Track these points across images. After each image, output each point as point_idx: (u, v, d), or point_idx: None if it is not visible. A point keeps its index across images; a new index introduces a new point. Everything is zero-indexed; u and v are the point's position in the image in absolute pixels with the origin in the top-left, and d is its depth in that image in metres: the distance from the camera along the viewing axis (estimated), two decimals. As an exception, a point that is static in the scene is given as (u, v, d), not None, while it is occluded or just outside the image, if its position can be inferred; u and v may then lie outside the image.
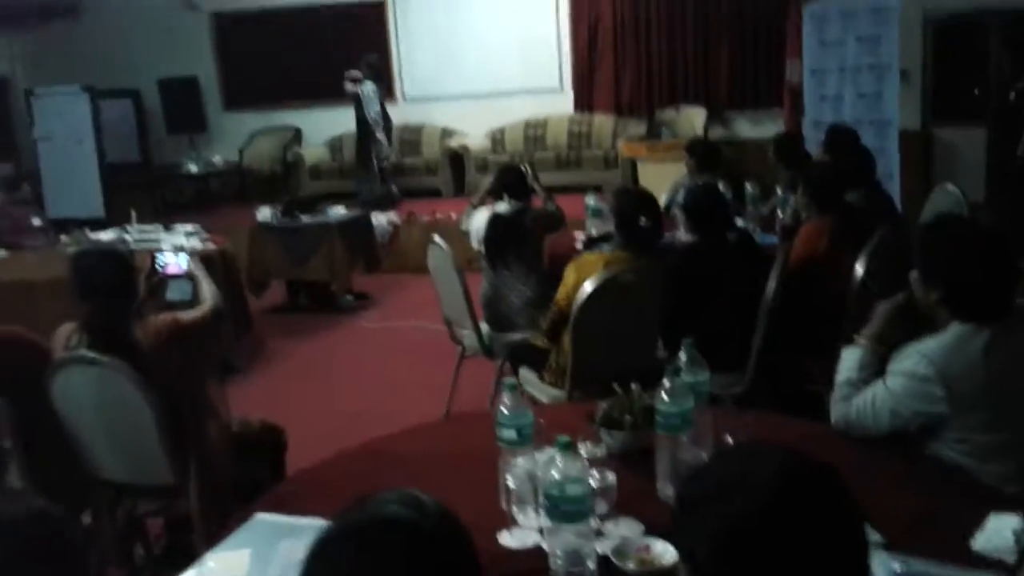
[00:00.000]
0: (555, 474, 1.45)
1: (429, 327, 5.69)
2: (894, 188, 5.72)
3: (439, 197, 8.93)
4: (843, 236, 3.57)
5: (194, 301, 2.98)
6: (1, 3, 9.27)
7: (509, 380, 1.81)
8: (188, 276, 2.95)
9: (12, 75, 10.75)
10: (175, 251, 3.07)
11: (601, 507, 1.67)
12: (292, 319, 6.47)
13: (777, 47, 8.20)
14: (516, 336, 4.00)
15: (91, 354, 2.49)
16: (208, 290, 2.90)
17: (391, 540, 0.94)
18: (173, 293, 3.02)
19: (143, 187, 9.45)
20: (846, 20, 6.25)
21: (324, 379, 5.21)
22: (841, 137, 5.09)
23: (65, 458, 2.63)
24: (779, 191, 4.62)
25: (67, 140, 8.75)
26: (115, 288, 2.57)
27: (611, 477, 1.68)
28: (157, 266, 2.94)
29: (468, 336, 4.08)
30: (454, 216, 7.67)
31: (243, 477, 2.77)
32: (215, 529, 2.61)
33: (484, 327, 4.03)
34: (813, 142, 6.01)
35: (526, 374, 3.54)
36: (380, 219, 7.70)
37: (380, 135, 8.15)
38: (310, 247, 6.33)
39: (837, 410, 2.03)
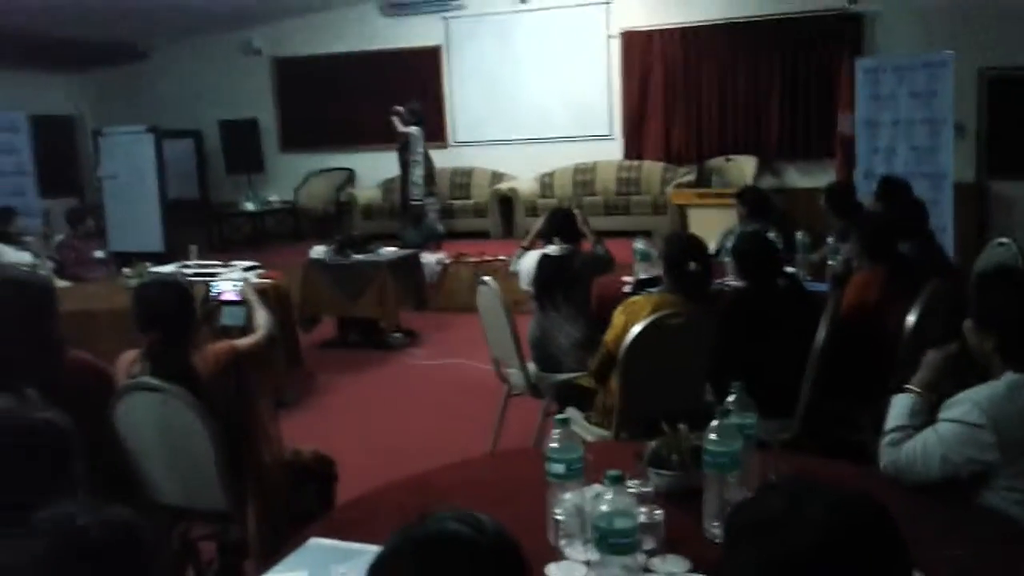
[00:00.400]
0: (604, 507, 1.48)
1: (475, 365, 5.75)
2: (947, 240, 5.69)
3: (487, 239, 9.05)
4: (894, 286, 3.55)
5: (247, 327, 3.08)
6: (70, 45, 9.69)
7: (560, 416, 1.85)
8: (242, 302, 3.05)
9: (79, 115, 11.20)
10: (232, 281, 3.18)
11: (648, 543, 1.69)
12: (341, 355, 6.57)
13: (828, 99, 8.26)
14: (563, 376, 4.03)
15: (153, 381, 2.58)
16: (262, 316, 2.99)
17: (451, 555, 0.98)
18: (227, 319, 3.13)
19: (201, 224, 9.73)
20: (900, 74, 6.28)
21: (372, 414, 5.28)
22: (894, 187, 5.08)
23: (124, 483, 2.71)
24: (830, 240, 4.61)
25: (131, 177, 9.06)
26: (175, 317, 2.67)
27: (658, 514, 1.70)
28: (212, 293, 3.04)
29: (515, 375, 4.12)
30: (502, 257, 7.78)
31: (295, 505, 2.83)
32: (268, 554, 2.68)
33: (531, 367, 4.07)
34: (865, 193, 6.00)
35: (573, 414, 3.56)
36: (429, 259, 7.82)
37: (418, 178, 8.30)
38: (361, 284, 6.45)
39: (887, 455, 2.03)
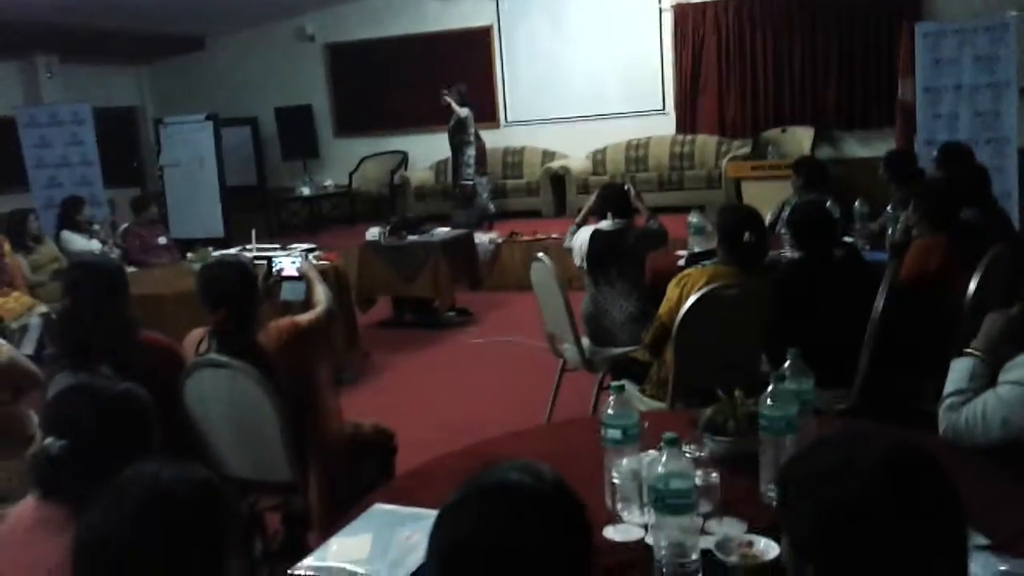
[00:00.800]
0: (661, 468, 1.50)
1: (529, 343, 5.80)
2: (1012, 207, 5.55)
3: (539, 217, 9.07)
4: (956, 254, 3.49)
5: (307, 301, 3.16)
6: (132, 38, 9.94)
7: (616, 383, 1.88)
8: (301, 278, 3.13)
9: (141, 105, 11.49)
10: (291, 257, 3.27)
11: (704, 506, 1.71)
12: (397, 334, 6.67)
13: (887, 66, 8.07)
14: (617, 351, 4.05)
15: (221, 358, 2.67)
16: (321, 291, 3.07)
17: (512, 501, 1.02)
18: (287, 293, 3.22)
19: (258, 209, 9.91)
20: (961, 38, 6.12)
21: (428, 390, 5.36)
22: (955, 154, 4.97)
23: (193, 457, 2.82)
24: (889, 209, 4.54)
25: (191, 165, 9.30)
26: (240, 295, 2.75)
27: (714, 477, 1.72)
28: (273, 269, 3.14)
29: (569, 350, 4.15)
30: (555, 236, 7.80)
31: (356, 476, 2.90)
32: (331, 525, 2.76)
33: (585, 342, 4.09)
34: (926, 160, 5.88)
35: (628, 386, 3.58)
36: (482, 238, 7.87)
37: (469, 159, 8.36)
38: (416, 265, 6.53)
39: (946, 419, 2.01)
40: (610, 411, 1.81)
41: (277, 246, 6.11)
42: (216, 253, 5.79)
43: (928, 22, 6.65)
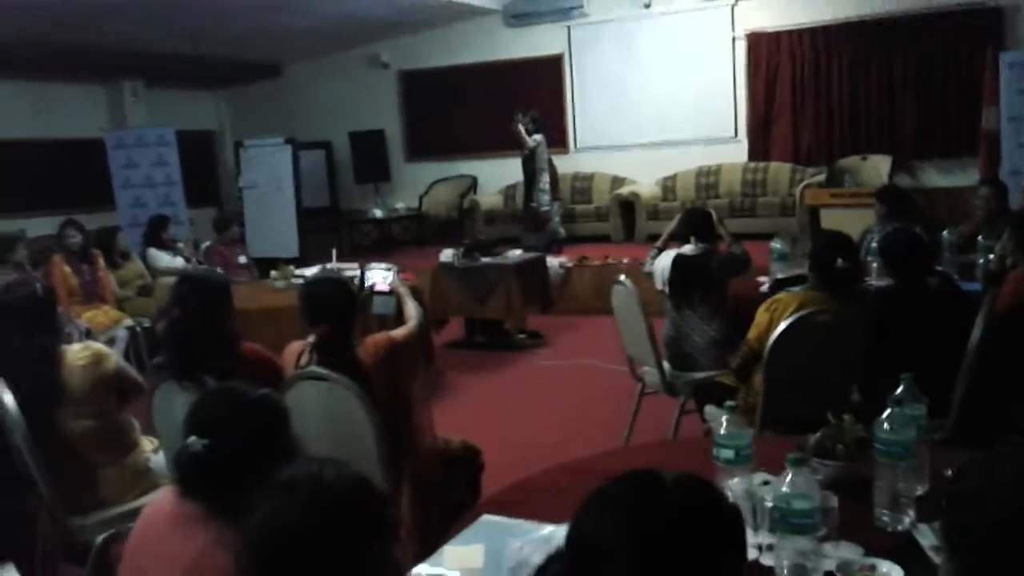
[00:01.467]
0: (785, 487, 1.50)
1: (602, 366, 5.81)
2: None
3: (608, 242, 9.07)
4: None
5: (398, 316, 3.22)
6: (212, 65, 10.28)
7: (728, 403, 1.88)
8: (391, 292, 3.20)
9: (219, 128, 11.85)
10: (381, 272, 3.34)
11: (820, 530, 1.70)
12: (469, 355, 6.72)
13: (968, 95, 7.95)
14: (699, 375, 4.03)
15: (322, 371, 2.74)
16: (412, 307, 3.14)
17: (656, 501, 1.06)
18: (379, 307, 3.30)
19: (332, 230, 10.14)
20: (1049, 65, 5.99)
21: (501, 410, 5.39)
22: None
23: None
24: (980, 238, 4.45)
25: (269, 187, 9.54)
26: (341, 311, 2.83)
27: (833, 500, 1.71)
28: (365, 283, 3.22)
29: (650, 374, 4.14)
30: (625, 261, 7.81)
31: (446, 491, 2.94)
32: (421, 539, 2.79)
33: (666, 365, 4.08)
34: (1012, 190, 5.74)
35: (713, 411, 3.56)
36: (552, 262, 7.91)
37: (545, 184, 8.45)
38: (489, 287, 6.58)
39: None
40: (723, 431, 1.81)
41: (356, 265, 6.23)
42: (298, 271, 5.92)
43: (1013, 52, 6.54)
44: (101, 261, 6.33)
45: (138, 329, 6.10)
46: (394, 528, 2.66)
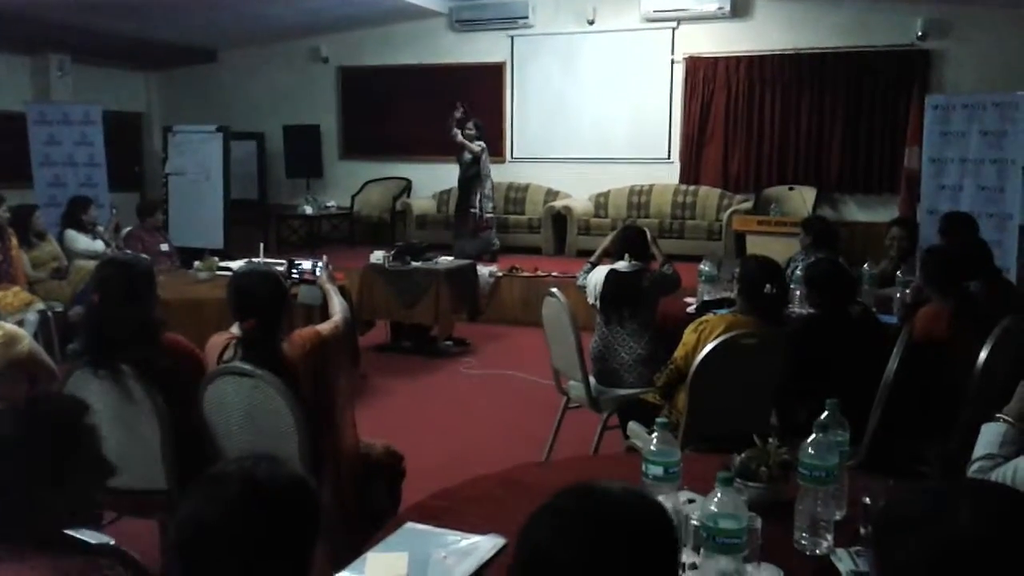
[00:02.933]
0: (713, 506, 1.52)
1: (526, 377, 5.83)
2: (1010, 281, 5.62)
3: (539, 255, 9.11)
4: (961, 322, 3.54)
5: (324, 307, 3.18)
6: (145, 45, 9.98)
7: (660, 419, 1.89)
8: (319, 285, 3.18)
9: (147, 111, 11.51)
10: (312, 261, 3.31)
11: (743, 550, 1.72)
12: (394, 359, 6.66)
13: (892, 134, 8.26)
14: (624, 391, 4.07)
15: (246, 366, 2.67)
16: (338, 302, 3.09)
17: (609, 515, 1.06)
18: (304, 297, 3.26)
19: (258, 224, 9.90)
20: (970, 112, 6.25)
21: (424, 418, 5.34)
22: (958, 223, 5.07)
23: (206, 460, 2.80)
24: (900, 273, 4.61)
25: (197, 175, 9.29)
26: (271, 305, 2.76)
27: (757, 521, 1.74)
28: (293, 272, 3.17)
29: (575, 388, 4.17)
30: (555, 274, 7.85)
31: (365, 497, 2.89)
32: (336, 544, 2.74)
33: (591, 380, 4.11)
34: (928, 229, 5.99)
35: (636, 428, 3.60)
36: (483, 271, 7.90)
37: (489, 191, 8.47)
38: (418, 291, 6.54)
39: (976, 482, 2.04)
40: (652, 447, 1.82)
41: (283, 261, 6.10)
42: (239, 263, 5.77)
43: (938, 95, 6.82)
44: (14, 240, 6.06)
45: (49, 313, 5.87)
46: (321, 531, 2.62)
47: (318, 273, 3.25)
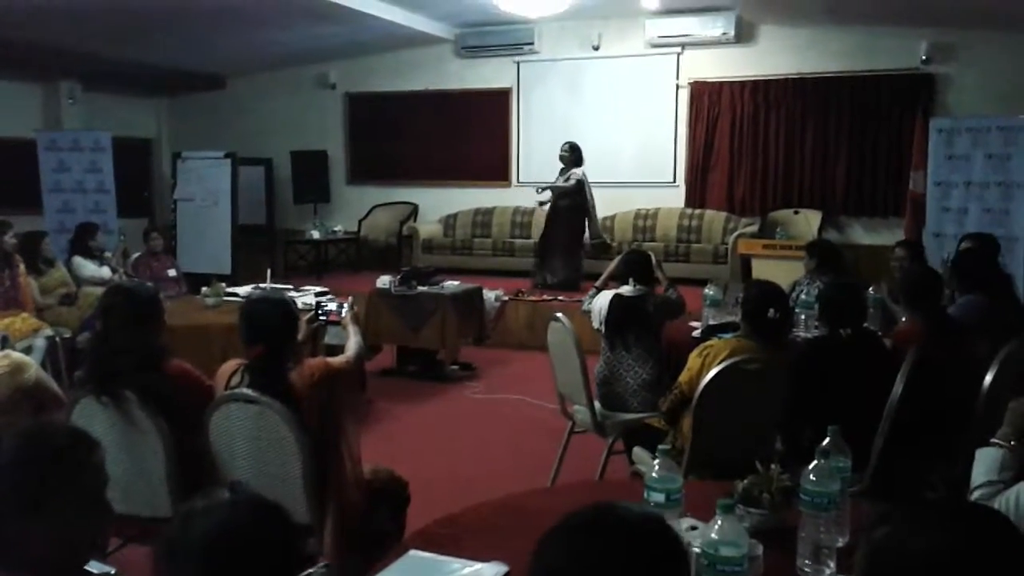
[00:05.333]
0: (714, 534, 1.52)
1: (532, 402, 5.82)
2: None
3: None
4: (934, 337, 3.55)
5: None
6: (154, 72, 10.09)
7: (662, 446, 1.90)
8: (343, 325, 3.18)
9: (157, 137, 11.62)
10: (337, 302, 3.33)
11: (745, 576, 1.72)
12: (400, 383, 6.66)
13: (897, 157, 8.28)
14: (629, 416, 4.06)
15: (252, 393, 2.68)
16: (355, 341, 3.10)
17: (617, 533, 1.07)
18: (332, 338, 3.27)
19: (266, 249, 9.99)
20: (974, 136, 6.28)
21: (429, 442, 5.34)
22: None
23: (211, 486, 2.81)
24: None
25: (205, 201, 9.37)
26: (280, 333, 2.78)
27: (758, 548, 1.74)
28: (320, 312, 3.18)
29: (580, 412, 4.16)
30: (560, 298, 7.86)
31: (369, 524, 2.89)
32: (340, 570, 2.74)
33: (597, 405, 4.10)
34: (934, 252, 5.99)
35: (640, 453, 3.59)
36: (489, 295, 7.91)
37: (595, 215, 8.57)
38: (424, 316, 6.55)
39: (979, 510, 2.03)
40: (655, 474, 1.83)
41: (290, 286, 6.14)
42: (246, 288, 5.81)
43: (943, 118, 6.85)
44: (22, 266, 6.10)
45: (58, 340, 5.89)
46: (305, 561, 2.60)
47: (343, 314, 3.28)
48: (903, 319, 3.91)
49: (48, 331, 5.86)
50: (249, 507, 1.28)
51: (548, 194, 8.30)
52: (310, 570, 1.46)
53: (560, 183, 8.31)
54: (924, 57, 8.37)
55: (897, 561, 1.01)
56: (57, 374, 5.55)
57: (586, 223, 8.43)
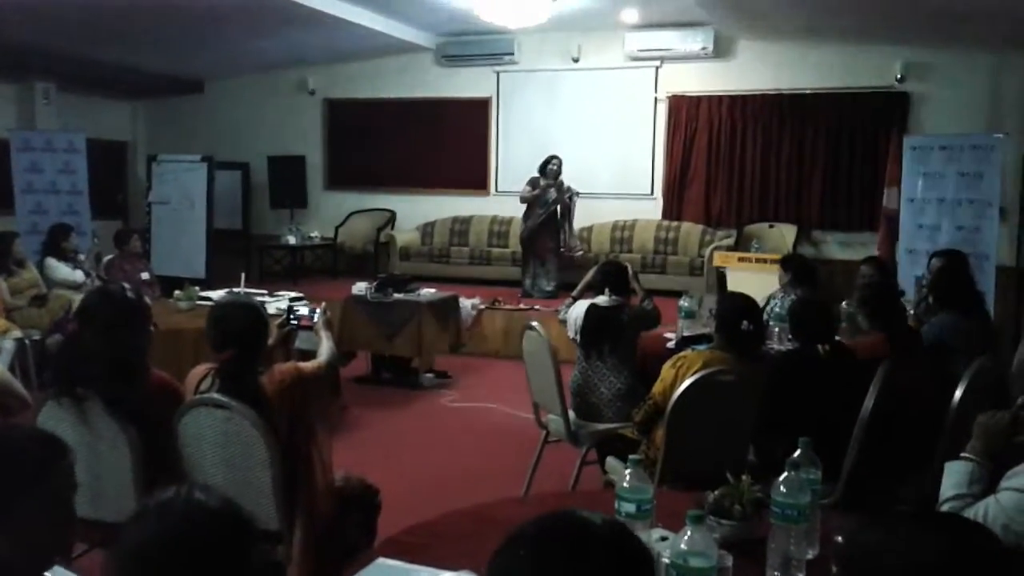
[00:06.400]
0: (683, 545, 1.52)
1: (506, 411, 5.82)
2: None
3: (520, 287, 9.10)
4: (895, 347, 3.60)
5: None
6: (130, 74, 10.01)
7: (633, 456, 1.90)
8: (315, 330, 3.14)
9: (132, 140, 11.52)
10: (310, 307, 3.29)
11: (714, 588, 1.72)
12: (375, 391, 6.62)
13: (872, 173, 8.37)
14: (602, 426, 4.07)
15: (221, 398, 2.65)
16: (327, 346, 3.08)
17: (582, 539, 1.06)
18: (303, 343, 3.23)
19: (241, 254, 9.91)
20: (948, 154, 6.37)
21: (404, 450, 5.32)
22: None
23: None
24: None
25: (181, 204, 9.29)
26: (250, 337, 2.75)
27: (728, 559, 1.74)
28: (292, 317, 3.15)
29: (555, 422, 4.16)
30: (537, 308, 7.86)
31: (339, 531, 2.87)
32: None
33: (571, 414, 4.10)
34: (907, 268, 6.06)
35: (613, 463, 3.59)
36: (465, 303, 7.89)
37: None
38: (399, 323, 6.52)
39: (947, 523, 2.04)
40: (626, 484, 1.83)
41: (265, 291, 6.10)
42: (219, 293, 5.76)
43: (917, 136, 6.94)
44: (-7, 268, 6.02)
45: (27, 342, 5.82)
46: (269, 567, 2.55)
47: (315, 319, 3.24)
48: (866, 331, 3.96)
49: (17, 332, 5.78)
50: (203, 511, 1.25)
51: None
52: None
53: (554, 195, 8.49)
54: (899, 75, 8.48)
55: (875, 574, 1.01)
56: (26, 376, 5.48)
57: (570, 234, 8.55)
